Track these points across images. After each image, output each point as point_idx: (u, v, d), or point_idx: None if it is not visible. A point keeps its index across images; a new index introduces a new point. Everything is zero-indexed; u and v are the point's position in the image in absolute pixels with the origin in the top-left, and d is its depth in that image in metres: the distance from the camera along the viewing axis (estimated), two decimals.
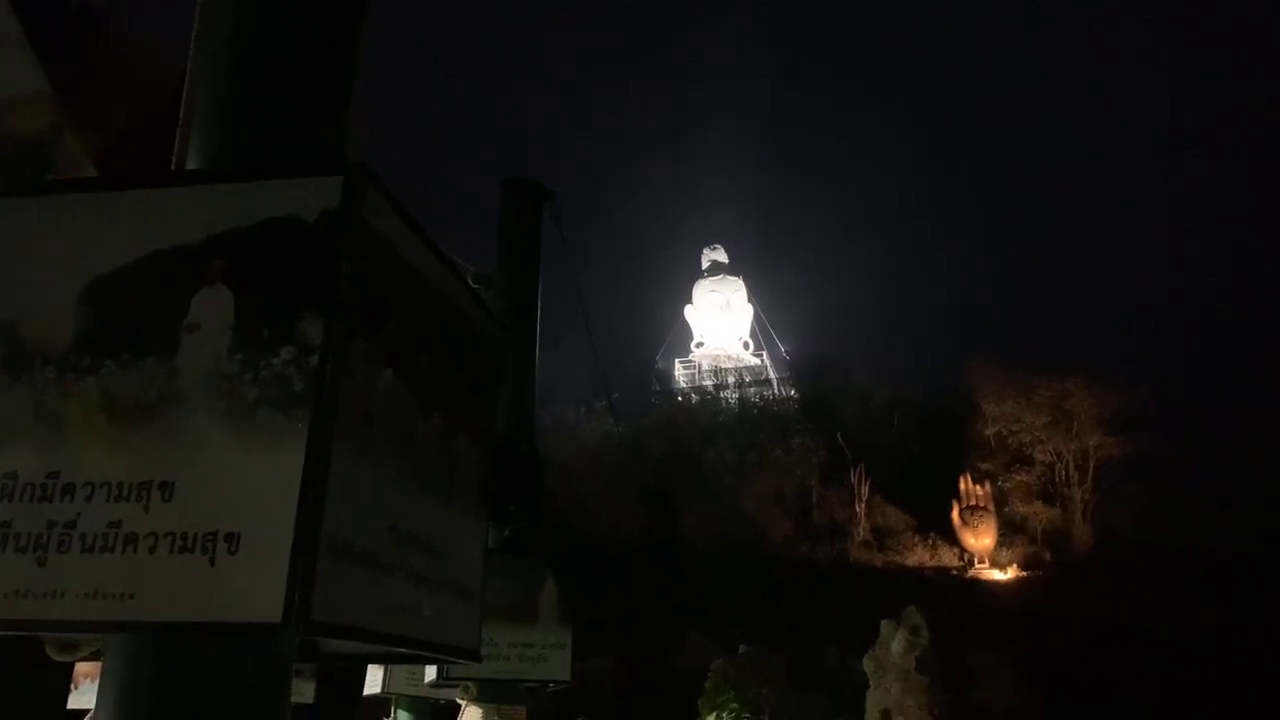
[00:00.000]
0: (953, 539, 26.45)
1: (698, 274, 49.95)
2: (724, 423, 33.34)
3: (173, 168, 1.45)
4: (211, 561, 1.06)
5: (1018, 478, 27.62)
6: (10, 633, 1.12)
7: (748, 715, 12.24)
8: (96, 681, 1.23)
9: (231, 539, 1.07)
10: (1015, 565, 25.42)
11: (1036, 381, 27.84)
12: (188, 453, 1.11)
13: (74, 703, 4.77)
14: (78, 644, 1.22)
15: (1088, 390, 27.16)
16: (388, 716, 5.09)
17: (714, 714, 12.58)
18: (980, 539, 26.00)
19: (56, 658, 1.22)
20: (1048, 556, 25.73)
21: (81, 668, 4.59)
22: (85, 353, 1.18)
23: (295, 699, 1.41)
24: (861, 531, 27.16)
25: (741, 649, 13.68)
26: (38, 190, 1.33)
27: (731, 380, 39.98)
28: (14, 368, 1.19)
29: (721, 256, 50.42)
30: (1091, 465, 27.13)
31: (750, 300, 48.40)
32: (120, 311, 1.20)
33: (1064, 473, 27.49)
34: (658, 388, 42.95)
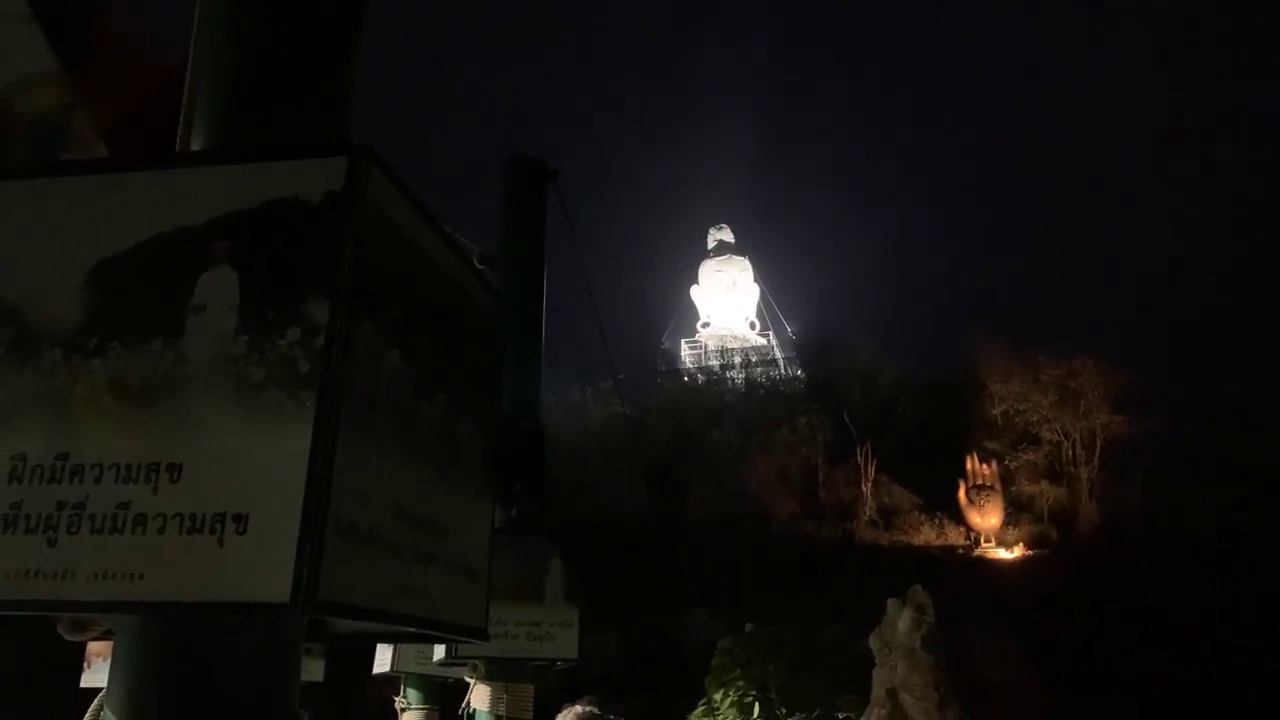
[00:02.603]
0: (959, 518, 26.48)
1: (704, 254, 49.82)
2: (730, 403, 33.36)
3: (177, 149, 1.45)
4: (220, 542, 1.07)
5: (1024, 457, 27.60)
6: (22, 613, 1.14)
7: (754, 693, 12.30)
8: (108, 660, 1.24)
9: (239, 520, 1.07)
10: (1021, 544, 25.46)
11: (1043, 360, 27.78)
12: (195, 434, 1.12)
13: (86, 681, 4.82)
14: (89, 624, 1.23)
15: (1095, 369, 27.09)
16: (397, 695, 5.13)
17: (721, 692, 12.65)
18: (987, 518, 26.02)
19: (68, 637, 1.23)
20: (1054, 535, 25.75)
21: (94, 647, 4.63)
22: (92, 335, 1.19)
23: (305, 677, 1.43)
24: (868, 511, 27.19)
25: (748, 628, 13.74)
26: (43, 171, 1.33)
27: (737, 360, 39.93)
28: (22, 350, 1.20)
29: (727, 236, 50.24)
30: (1098, 444, 27.09)
31: (756, 280, 48.30)
32: (126, 293, 1.20)
33: (1071, 452, 27.45)
34: (664, 368, 42.98)
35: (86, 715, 1.38)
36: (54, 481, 1.13)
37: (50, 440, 1.15)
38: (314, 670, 5.70)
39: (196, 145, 1.40)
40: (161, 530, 1.09)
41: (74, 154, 1.78)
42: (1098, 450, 27.09)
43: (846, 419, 28.67)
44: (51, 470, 1.14)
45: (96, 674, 4.77)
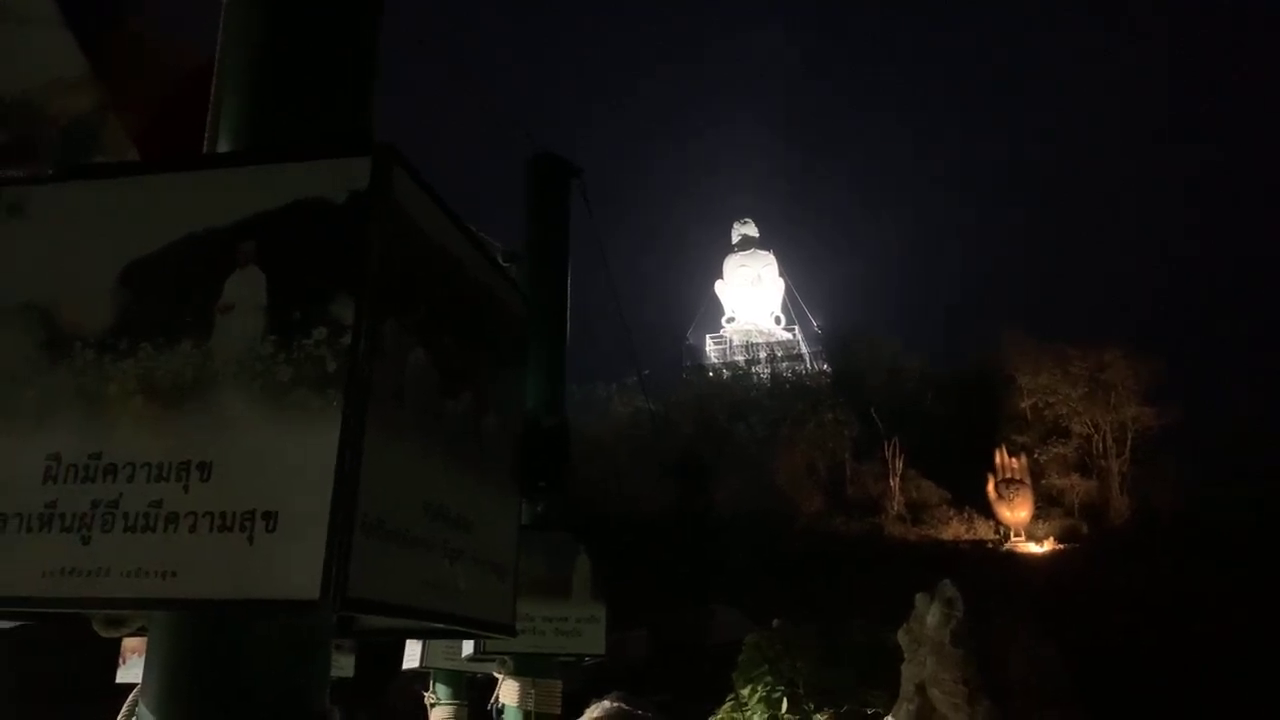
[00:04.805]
0: (988, 512, 26.25)
1: (728, 249, 49.63)
2: (755, 398, 33.24)
3: (204, 151, 1.46)
4: (250, 540, 1.08)
5: (1054, 450, 27.32)
6: (59, 610, 1.15)
7: (782, 688, 12.26)
8: (143, 657, 1.26)
9: (269, 517, 1.08)
10: (1052, 538, 25.20)
11: (1073, 352, 27.47)
12: (225, 433, 1.13)
13: (121, 677, 4.89)
14: (123, 621, 1.24)
15: (1125, 361, 26.77)
16: (427, 690, 5.17)
17: (749, 687, 12.62)
18: (1016, 512, 25.78)
19: (103, 634, 1.25)
20: (1085, 529, 25.49)
21: (128, 643, 4.70)
22: (123, 335, 1.20)
23: (335, 673, 1.44)
24: (896, 505, 27.02)
25: (775, 623, 13.70)
26: (75, 174, 1.35)
27: (763, 355, 39.77)
28: (55, 350, 1.22)
29: (752, 230, 49.97)
30: (1129, 437, 26.76)
31: (781, 274, 48.05)
32: (156, 294, 1.22)
33: (1101, 444, 27.14)
34: (688, 363, 42.85)
35: (122, 710, 1.41)
36: (88, 481, 1.15)
37: (84, 440, 1.17)
38: (344, 666, 5.75)
39: (223, 147, 1.42)
40: (193, 528, 1.10)
41: (106, 157, 1.80)
42: (1129, 443, 26.77)
43: (873, 413, 28.50)
44: (85, 470, 1.15)
45: (131, 670, 4.83)
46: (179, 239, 1.24)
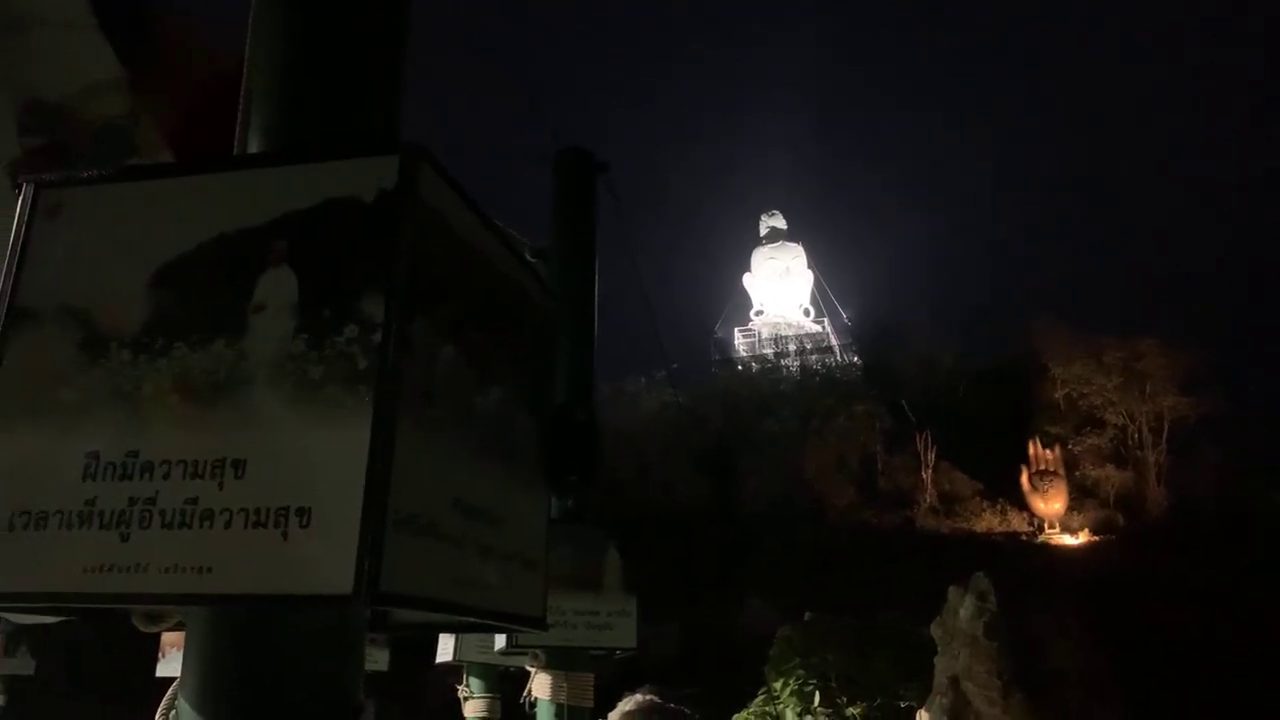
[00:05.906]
0: (1022, 504, 26.00)
1: (756, 241, 49.37)
2: (784, 390, 33.10)
3: (235, 151, 1.48)
4: (284, 536, 1.09)
5: (1088, 441, 27.00)
6: (100, 605, 1.17)
7: (814, 681, 12.23)
8: (181, 651, 1.28)
9: (302, 514, 1.10)
10: (1086, 530, 24.92)
11: (1106, 342, 27.12)
12: (258, 431, 1.14)
13: (161, 671, 4.97)
14: (162, 616, 1.26)
15: (1160, 351, 26.38)
16: (460, 683, 5.21)
17: (780, 680, 12.60)
18: (1050, 504, 25.52)
19: (143, 629, 1.27)
20: (1120, 521, 25.18)
21: (167, 638, 4.77)
22: (158, 335, 1.22)
23: (370, 667, 1.45)
24: (928, 498, 26.82)
25: (807, 616, 13.67)
26: (110, 177, 1.37)
27: (792, 348, 39.55)
28: (92, 350, 1.24)
29: (780, 223, 49.65)
30: (1165, 427, 26.39)
31: (810, 266, 47.75)
32: (189, 294, 1.23)
33: (1136, 435, 26.78)
34: (717, 357, 42.74)
35: (162, 703, 1.43)
36: (125, 478, 1.16)
37: (121, 438, 1.18)
38: (379, 660, 5.82)
39: (254, 147, 1.43)
40: (228, 525, 1.11)
41: (138, 159, 1.83)
42: (1164, 433, 26.39)
43: (905, 405, 28.29)
44: (123, 467, 1.17)
45: (171, 664, 4.91)
46: (211, 239, 1.25)
